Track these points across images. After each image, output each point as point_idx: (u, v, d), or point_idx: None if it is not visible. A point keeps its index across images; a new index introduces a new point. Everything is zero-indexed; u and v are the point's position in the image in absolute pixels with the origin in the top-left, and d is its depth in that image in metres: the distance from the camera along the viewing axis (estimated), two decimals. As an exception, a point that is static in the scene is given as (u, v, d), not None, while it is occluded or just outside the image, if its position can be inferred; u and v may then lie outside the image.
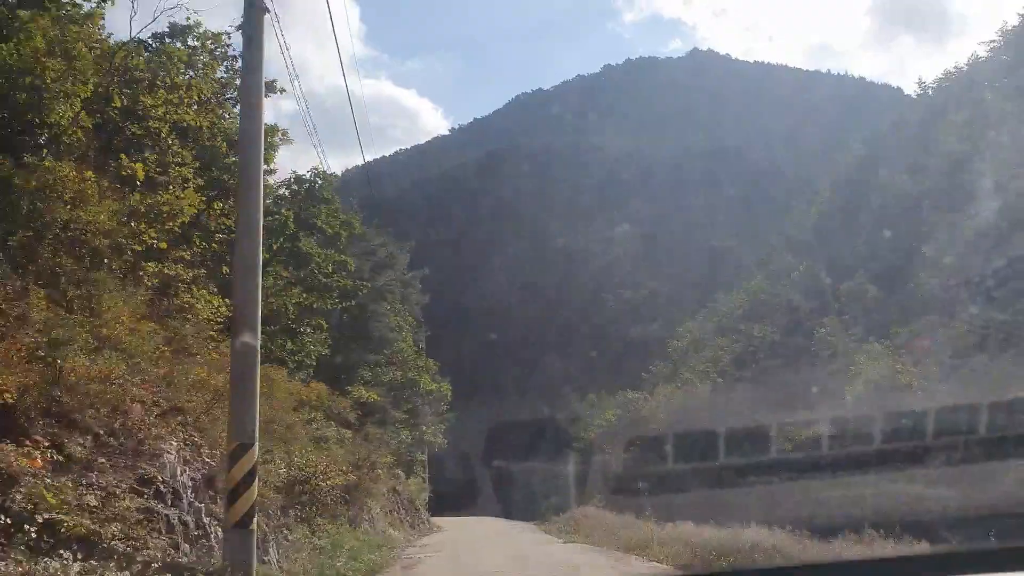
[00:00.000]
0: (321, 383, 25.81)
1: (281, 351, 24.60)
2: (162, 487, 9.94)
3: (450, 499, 52.10)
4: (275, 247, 24.51)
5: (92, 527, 7.97)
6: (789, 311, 45.58)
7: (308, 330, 27.19)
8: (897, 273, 37.31)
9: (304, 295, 25.62)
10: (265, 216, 12.02)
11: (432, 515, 43.54)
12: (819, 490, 19.13)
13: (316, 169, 29.87)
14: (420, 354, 48.33)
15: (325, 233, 29.43)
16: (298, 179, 29.32)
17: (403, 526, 29.76)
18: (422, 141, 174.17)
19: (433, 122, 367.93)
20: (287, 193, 29.05)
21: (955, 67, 52.61)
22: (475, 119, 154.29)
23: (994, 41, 47.42)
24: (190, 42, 20.78)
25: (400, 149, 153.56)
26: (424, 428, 45.91)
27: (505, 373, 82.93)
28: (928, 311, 30.53)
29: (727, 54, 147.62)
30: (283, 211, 26.07)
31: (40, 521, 7.46)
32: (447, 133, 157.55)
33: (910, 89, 60.82)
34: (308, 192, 29.36)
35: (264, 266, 12.65)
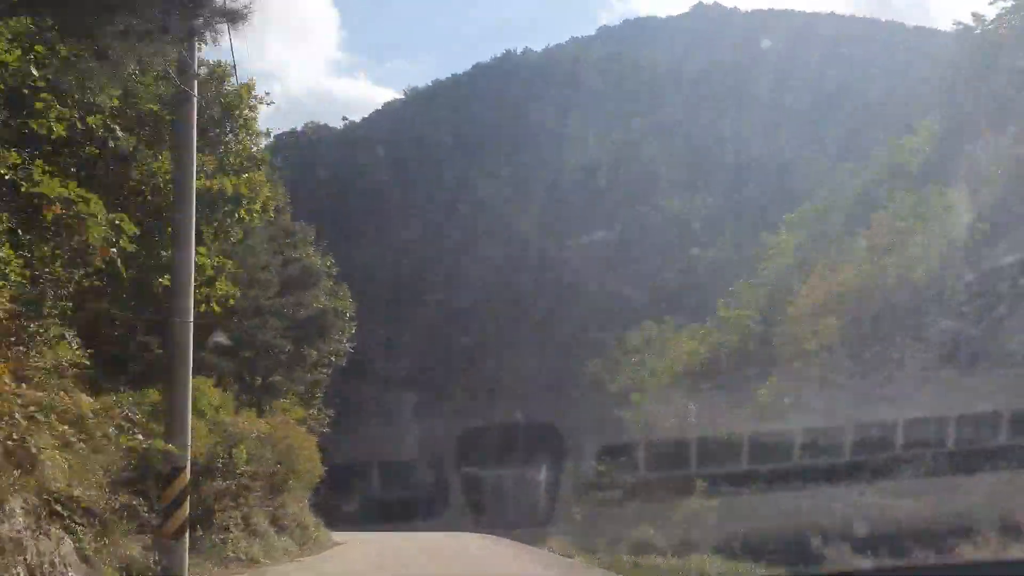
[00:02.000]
0: None
1: None
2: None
3: (420, 508, 49.37)
4: None
5: None
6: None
7: None
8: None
9: None
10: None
11: (398, 527, 34.43)
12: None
13: None
14: None
15: None
16: None
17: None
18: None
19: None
20: None
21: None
22: (453, 74, 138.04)
23: None
24: None
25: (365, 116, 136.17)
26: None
27: (479, 374, 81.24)
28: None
29: (735, 7, 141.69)
30: None
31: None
32: (430, 84, 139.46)
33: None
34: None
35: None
